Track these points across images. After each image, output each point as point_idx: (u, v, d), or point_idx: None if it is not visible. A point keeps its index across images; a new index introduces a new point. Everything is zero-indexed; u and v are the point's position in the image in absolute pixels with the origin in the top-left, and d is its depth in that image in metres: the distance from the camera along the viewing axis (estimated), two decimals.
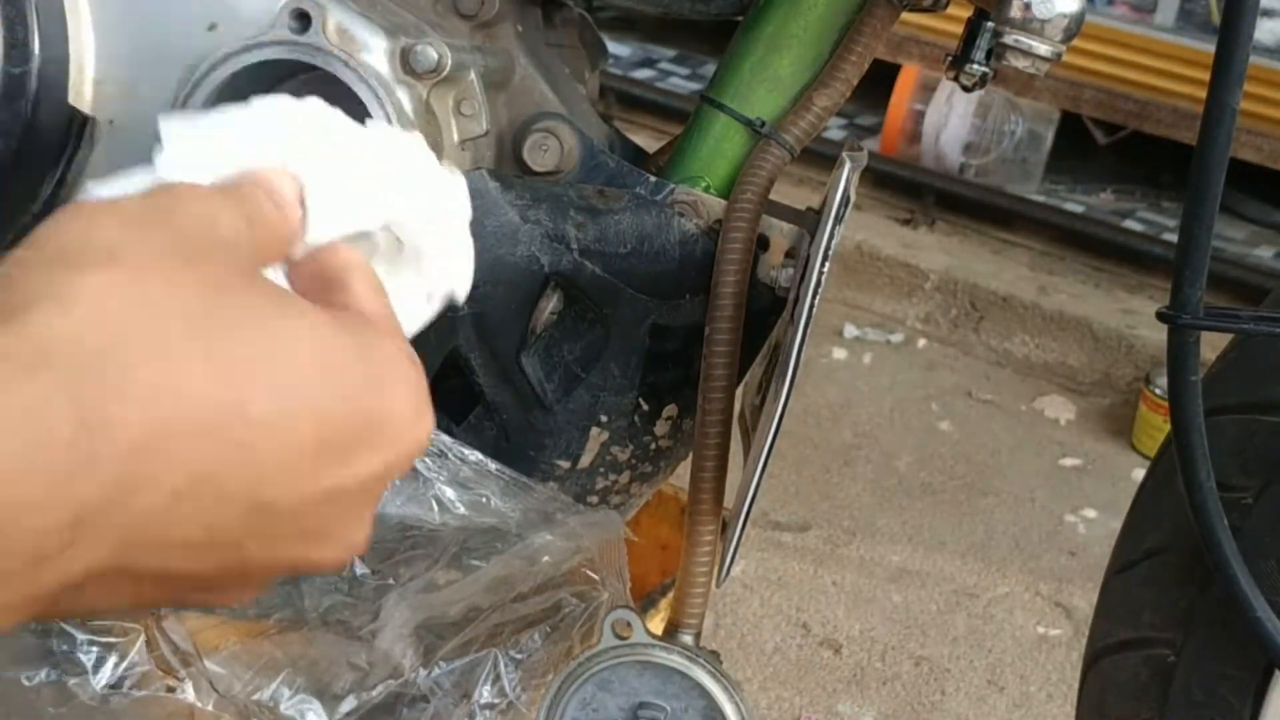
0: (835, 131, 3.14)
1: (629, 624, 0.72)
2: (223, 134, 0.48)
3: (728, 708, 0.74)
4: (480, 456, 0.80)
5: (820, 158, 2.33)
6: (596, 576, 0.71)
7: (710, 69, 1.00)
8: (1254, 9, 0.74)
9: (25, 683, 0.80)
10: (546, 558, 0.75)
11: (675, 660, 0.73)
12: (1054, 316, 2.66)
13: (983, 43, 0.82)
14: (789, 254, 0.85)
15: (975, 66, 0.82)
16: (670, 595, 1.57)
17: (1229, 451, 0.89)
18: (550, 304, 0.83)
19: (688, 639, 0.79)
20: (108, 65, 0.80)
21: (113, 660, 0.81)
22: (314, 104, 0.50)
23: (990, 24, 0.81)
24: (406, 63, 0.77)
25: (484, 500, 0.78)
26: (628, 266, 0.81)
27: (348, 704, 0.81)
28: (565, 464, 0.85)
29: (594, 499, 0.87)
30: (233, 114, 0.48)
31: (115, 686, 0.81)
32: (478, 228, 0.81)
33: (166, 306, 0.40)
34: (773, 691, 1.75)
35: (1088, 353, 2.62)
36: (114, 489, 0.37)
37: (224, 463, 0.40)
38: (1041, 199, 3.05)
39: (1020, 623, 1.94)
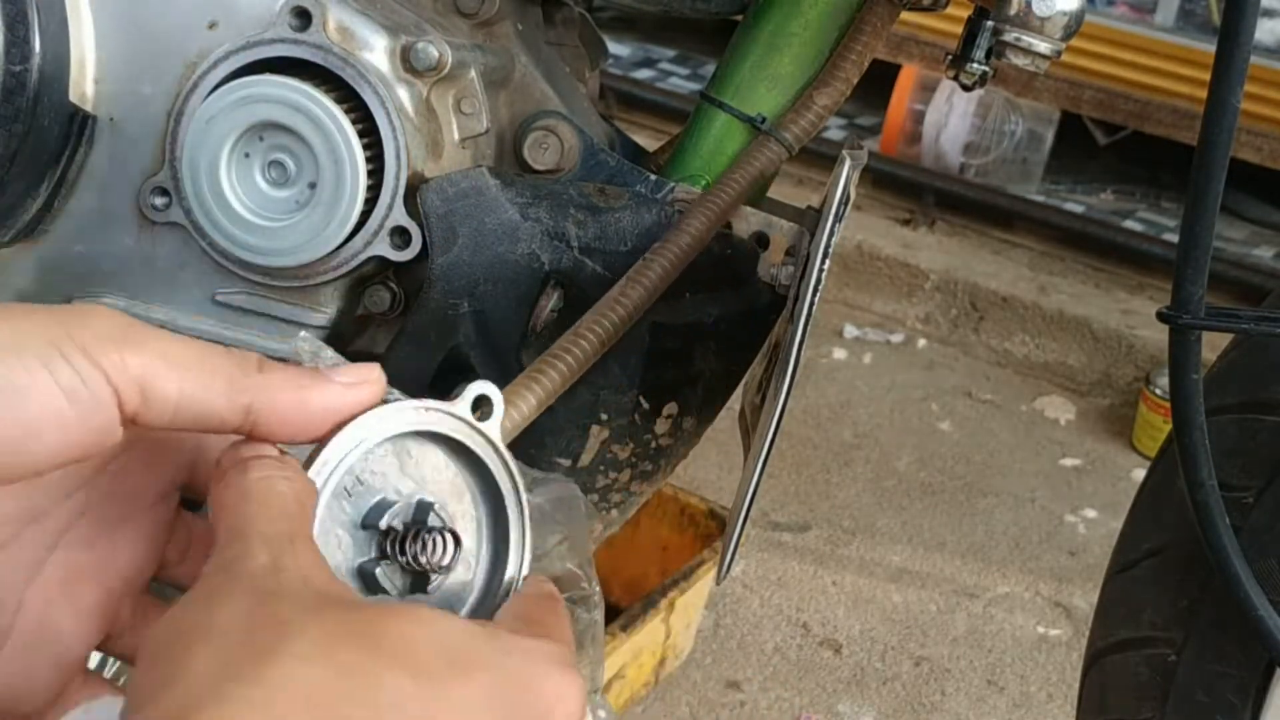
0: (835, 131, 3.14)
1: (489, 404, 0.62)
2: None
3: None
4: None
5: (820, 157, 2.34)
6: (580, 572, 0.69)
7: (710, 69, 1.00)
8: (1254, 9, 0.74)
9: None
10: None
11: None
12: (1054, 316, 2.66)
13: (983, 41, 0.82)
14: (789, 252, 0.85)
15: (975, 65, 0.82)
16: (670, 595, 1.57)
17: (1230, 451, 0.89)
18: (550, 302, 0.82)
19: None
20: (108, 63, 0.80)
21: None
22: None
23: (990, 22, 0.81)
24: (407, 61, 0.77)
25: None
26: (628, 264, 0.81)
27: None
28: (565, 462, 0.85)
29: (594, 497, 0.87)
30: None
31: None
32: (479, 226, 0.81)
33: None
34: (773, 691, 1.75)
35: (1088, 353, 2.63)
36: None
37: None
38: (1041, 199, 3.05)
39: (1020, 623, 1.94)
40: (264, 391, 0.47)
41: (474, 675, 0.43)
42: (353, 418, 0.50)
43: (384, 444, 0.52)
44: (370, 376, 0.50)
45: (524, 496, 0.57)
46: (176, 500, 0.53)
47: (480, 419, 0.54)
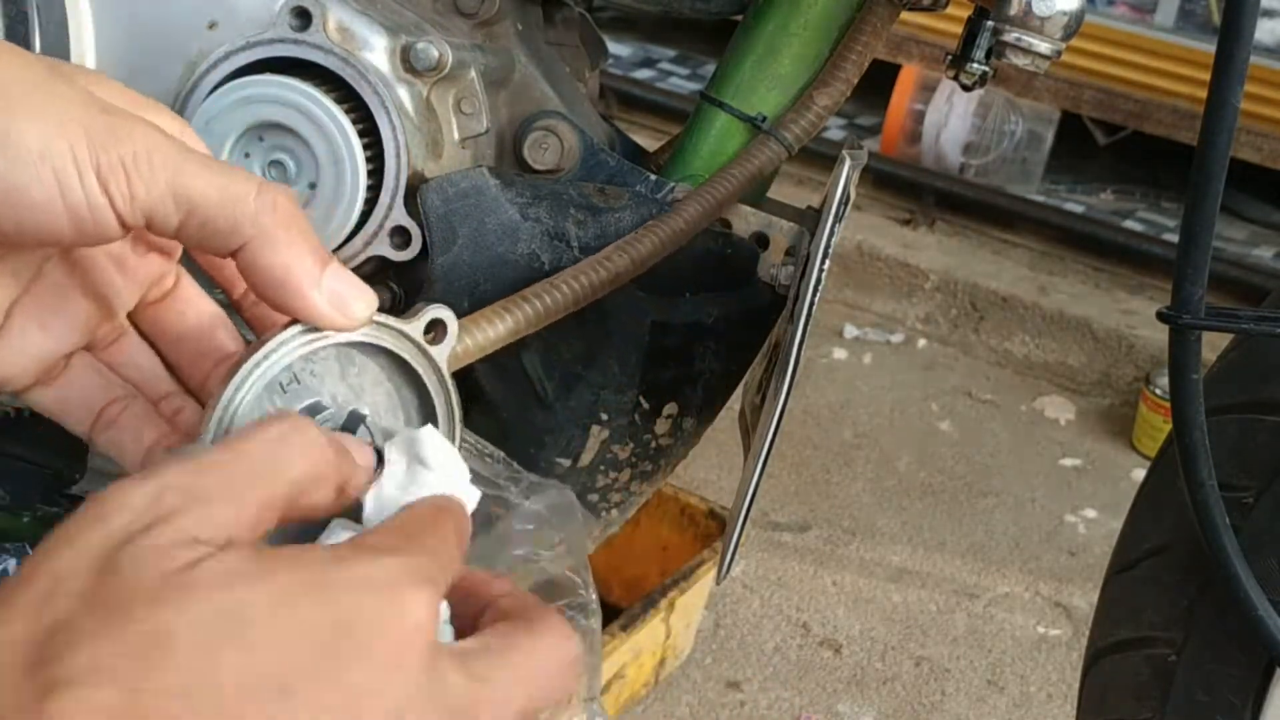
0: (835, 131, 3.14)
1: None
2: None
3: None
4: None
5: (820, 157, 2.34)
6: (578, 580, 0.68)
7: (710, 69, 1.00)
8: (1254, 9, 0.74)
9: None
10: (520, 551, 0.73)
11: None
12: (1054, 316, 2.66)
13: (983, 41, 0.82)
14: (789, 252, 0.85)
15: (975, 65, 0.82)
16: (670, 595, 1.57)
17: (1230, 451, 0.89)
18: None
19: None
20: (108, 63, 0.80)
21: None
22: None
23: (990, 22, 0.81)
24: (407, 61, 0.77)
25: None
26: None
27: None
28: (565, 462, 0.85)
29: (594, 497, 0.87)
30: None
31: None
32: (479, 226, 0.81)
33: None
34: (773, 691, 1.75)
35: (1088, 353, 2.63)
36: None
37: None
38: (1041, 199, 3.05)
39: (1020, 623, 1.94)
40: (263, 243, 0.48)
41: (261, 641, 0.39)
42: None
43: (330, 348, 0.51)
44: (354, 315, 0.50)
45: (459, 428, 0.56)
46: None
47: (432, 342, 0.54)
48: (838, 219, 0.76)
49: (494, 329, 0.64)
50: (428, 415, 0.55)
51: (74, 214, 0.45)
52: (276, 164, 0.78)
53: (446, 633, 0.48)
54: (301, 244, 0.48)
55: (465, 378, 0.84)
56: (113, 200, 0.46)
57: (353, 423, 0.52)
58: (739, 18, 0.90)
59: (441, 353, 0.54)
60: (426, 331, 0.54)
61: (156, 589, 0.39)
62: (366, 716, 0.40)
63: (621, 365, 0.83)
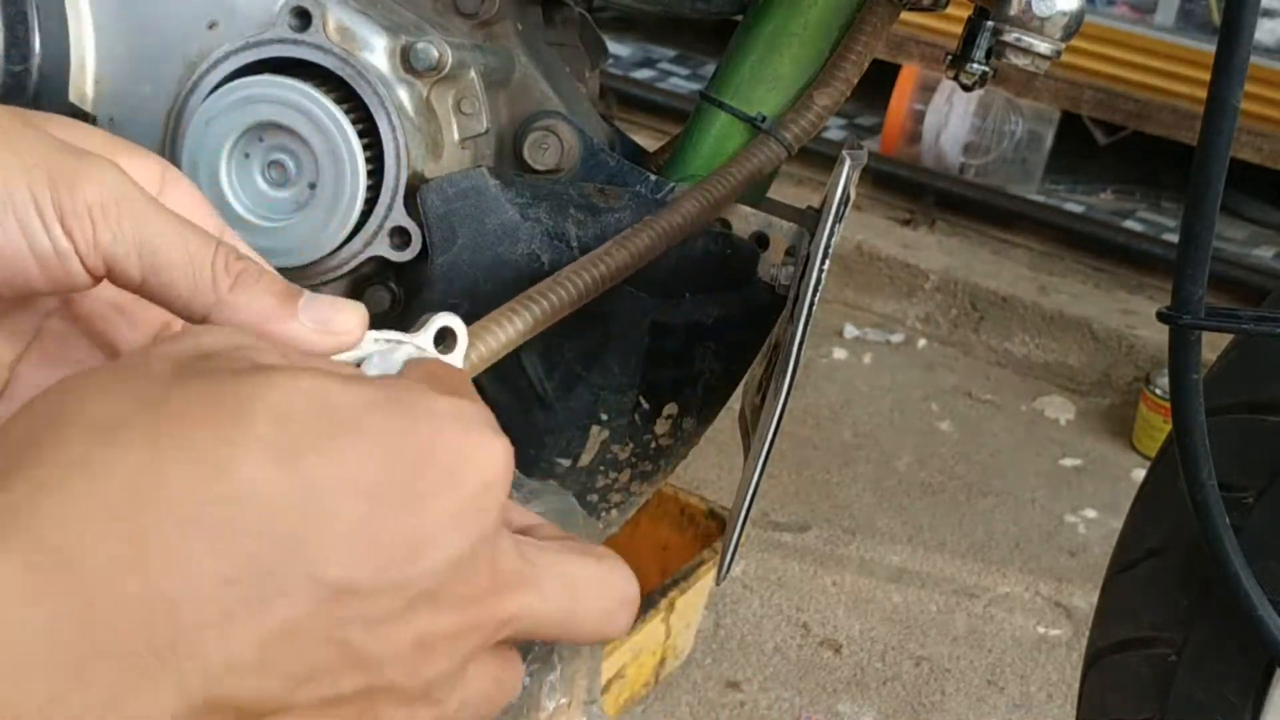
0: (835, 131, 3.14)
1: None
2: None
3: None
4: None
5: (820, 157, 2.34)
6: None
7: (710, 69, 1.00)
8: (1254, 9, 0.74)
9: None
10: None
11: None
12: (1054, 316, 2.66)
13: (982, 41, 0.82)
14: (789, 252, 0.85)
15: (975, 65, 0.82)
16: (670, 595, 1.57)
17: (1230, 451, 0.89)
18: None
19: None
20: (108, 63, 0.80)
21: None
22: None
23: (990, 22, 0.81)
24: (407, 61, 0.77)
25: None
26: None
27: None
28: (565, 462, 0.85)
29: (594, 497, 0.87)
30: None
31: None
32: (478, 226, 0.81)
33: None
34: (773, 691, 1.75)
35: (1088, 353, 2.63)
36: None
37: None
38: (1041, 199, 3.05)
39: (1020, 623, 1.94)
40: (224, 310, 0.47)
41: (354, 444, 0.38)
42: None
43: None
44: (344, 328, 0.48)
45: None
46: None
47: (443, 352, 0.52)
48: (838, 219, 0.76)
49: (505, 333, 0.64)
50: None
51: (42, 261, 0.45)
52: (276, 164, 0.78)
53: None
54: (265, 295, 0.47)
55: None
56: (76, 245, 0.45)
57: None
58: (739, 18, 0.90)
59: (455, 361, 0.54)
60: (436, 341, 0.53)
61: (240, 372, 0.39)
62: (431, 552, 0.38)
63: (621, 365, 0.83)
